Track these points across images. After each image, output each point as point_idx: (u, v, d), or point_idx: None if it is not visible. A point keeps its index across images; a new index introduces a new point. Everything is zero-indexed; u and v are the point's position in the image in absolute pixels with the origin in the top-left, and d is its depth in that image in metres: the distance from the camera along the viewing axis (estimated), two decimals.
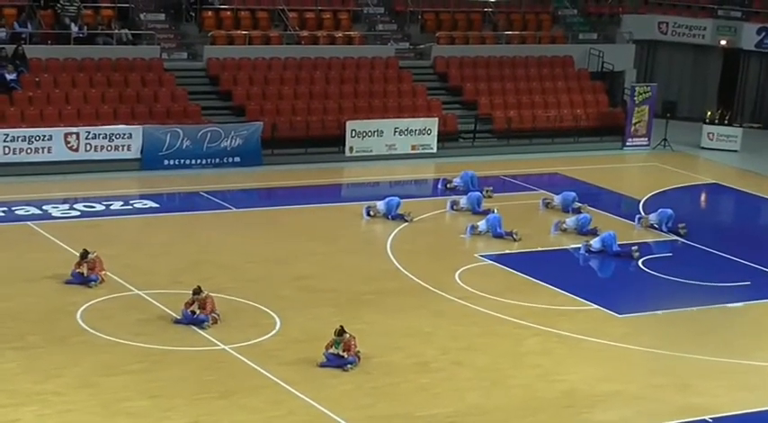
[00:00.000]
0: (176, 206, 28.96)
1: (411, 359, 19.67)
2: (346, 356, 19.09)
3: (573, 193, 29.66)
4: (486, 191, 29.93)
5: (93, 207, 27.67)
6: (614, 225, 28.01)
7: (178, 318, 20.51)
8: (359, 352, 19.19)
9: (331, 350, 19.19)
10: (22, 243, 24.45)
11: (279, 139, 32.92)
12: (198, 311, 20.50)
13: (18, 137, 29.92)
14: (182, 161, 31.53)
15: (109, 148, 30.81)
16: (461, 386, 18.78)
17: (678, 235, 28.00)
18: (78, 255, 22.42)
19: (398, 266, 24.55)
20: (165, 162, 31.35)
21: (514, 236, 26.74)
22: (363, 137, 33.74)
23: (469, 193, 29.22)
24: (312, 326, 20.62)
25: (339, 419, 17.30)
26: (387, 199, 28.03)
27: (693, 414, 18.22)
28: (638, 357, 20.59)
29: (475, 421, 17.57)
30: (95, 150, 30.68)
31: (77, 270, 22.15)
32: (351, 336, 19.20)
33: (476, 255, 25.71)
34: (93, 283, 21.90)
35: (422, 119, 34.73)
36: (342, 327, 19.27)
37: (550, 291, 23.55)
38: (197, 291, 20.65)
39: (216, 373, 18.59)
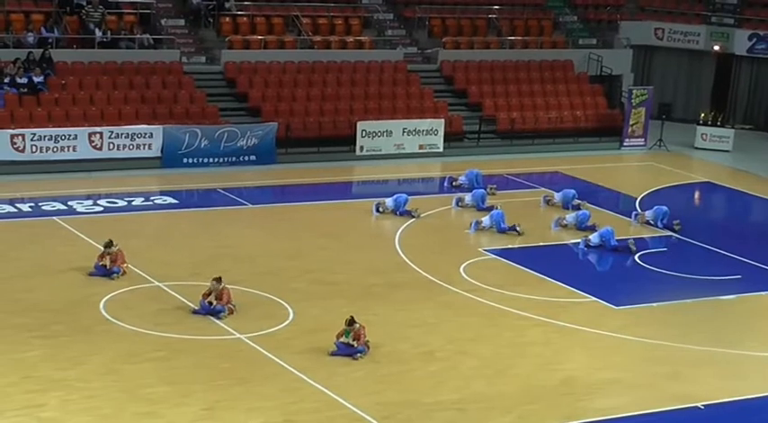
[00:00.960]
0: (195, 202, 29.14)
1: (418, 348, 19.94)
2: (356, 345, 19.28)
3: (573, 191, 29.89)
4: (491, 188, 30.22)
5: (116, 203, 27.85)
6: (612, 221, 28.14)
7: (196, 308, 20.77)
8: (368, 341, 19.45)
9: (342, 339, 19.35)
10: (48, 237, 24.79)
11: (292, 138, 33.28)
12: (215, 302, 20.67)
13: (45, 136, 30.20)
14: (200, 159, 31.86)
15: (131, 146, 31.14)
16: (466, 374, 19.03)
17: (673, 231, 28.19)
18: (103, 245, 22.53)
19: (406, 260, 24.84)
20: (185, 160, 31.65)
21: (518, 229, 27.04)
22: (373, 137, 34.14)
23: (474, 191, 29.48)
24: (324, 317, 20.88)
25: (349, 406, 17.48)
26: (395, 195, 28.30)
27: (686, 401, 18.48)
28: (634, 347, 20.86)
29: (478, 408, 17.78)
30: (118, 149, 31.00)
31: (100, 263, 22.32)
32: (360, 326, 19.46)
33: (480, 249, 25.95)
34: (115, 275, 22.20)
35: (429, 120, 35.08)
36: (352, 317, 19.52)
37: (551, 284, 23.84)
38: (217, 280, 20.82)
39: (232, 361, 18.87)
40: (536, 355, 20.17)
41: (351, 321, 19.54)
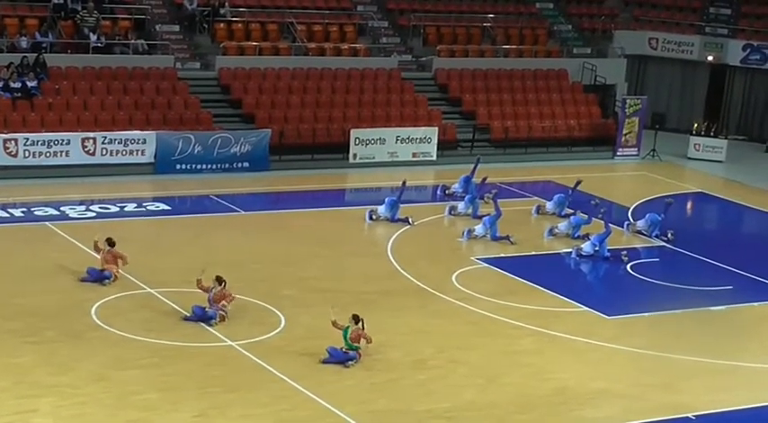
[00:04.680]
0: (187, 209, 29.10)
1: (410, 357, 19.94)
2: (356, 345, 19.30)
3: (563, 195, 30.00)
4: (487, 196, 30.00)
5: (108, 209, 27.80)
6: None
7: (187, 315, 20.76)
8: (359, 348, 19.46)
9: (339, 339, 19.28)
10: (40, 242, 24.78)
11: (286, 145, 33.28)
12: (215, 293, 20.59)
13: (38, 141, 30.14)
14: (193, 166, 31.83)
15: (124, 152, 31.12)
16: (457, 383, 19.03)
17: (665, 241, 28.30)
18: (105, 241, 22.40)
19: (398, 268, 24.85)
20: (178, 166, 31.62)
21: (511, 239, 27.14)
22: (366, 144, 34.16)
23: (467, 199, 29.47)
24: (315, 324, 20.74)
25: (341, 414, 17.48)
26: (387, 199, 28.43)
27: (677, 412, 18.49)
28: (626, 357, 20.92)
29: (470, 416, 17.80)
30: (111, 155, 30.98)
31: (98, 255, 22.32)
32: (361, 328, 19.51)
33: (472, 258, 25.96)
34: (106, 280, 22.18)
35: (422, 128, 35.12)
36: (357, 317, 19.54)
37: (543, 293, 23.85)
38: (220, 281, 20.75)
39: (223, 368, 18.86)
40: (528, 365, 20.18)
41: (356, 318, 19.54)
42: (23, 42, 32.90)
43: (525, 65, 39.49)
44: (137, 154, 31.38)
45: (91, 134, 30.96)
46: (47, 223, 26.22)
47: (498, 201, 28.62)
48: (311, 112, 34.65)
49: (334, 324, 19.68)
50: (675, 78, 43.86)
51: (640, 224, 28.96)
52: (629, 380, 19.84)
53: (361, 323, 19.68)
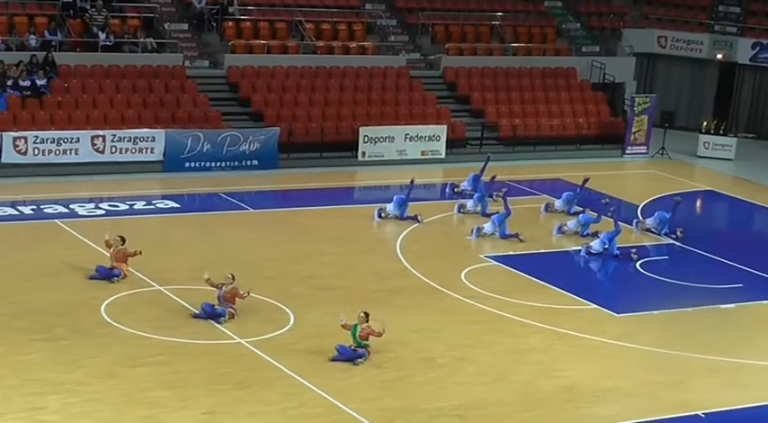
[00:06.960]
0: (196, 206, 29.12)
1: (418, 354, 19.96)
2: (360, 341, 19.29)
3: (572, 193, 30.00)
4: (496, 195, 29.96)
5: (118, 206, 27.89)
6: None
7: (197, 312, 20.78)
8: (368, 346, 19.46)
9: (348, 335, 19.33)
10: (50, 240, 24.80)
11: (295, 143, 33.33)
12: (226, 291, 20.69)
13: (47, 139, 30.21)
14: (202, 164, 31.84)
15: (133, 150, 31.19)
16: (466, 381, 19.06)
17: (674, 239, 28.30)
18: (117, 238, 22.58)
19: (407, 266, 24.87)
20: (187, 164, 31.66)
21: (520, 237, 27.20)
22: (375, 142, 34.22)
23: (476, 197, 29.49)
24: (324, 322, 20.83)
25: (349, 411, 17.52)
26: (395, 197, 28.46)
27: (687, 410, 18.49)
28: (635, 355, 20.88)
29: (479, 414, 17.83)
30: (120, 152, 31.04)
31: (109, 253, 22.42)
32: (369, 326, 19.50)
33: (481, 256, 26.00)
34: (115, 278, 22.21)
35: (431, 126, 35.16)
36: (367, 314, 19.57)
37: (552, 291, 23.87)
38: (230, 278, 20.79)
39: (232, 365, 18.89)
40: (536, 362, 20.20)
41: (366, 317, 19.52)
42: (32, 41, 32.94)
43: (534, 63, 39.46)
44: (146, 152, 31.41)
45: (100, 132, 30.99)
46: (56, 221, 26.23)
47: (507, 199, 28.64)
48: (320, 111, 34.67)
49: (344, 327, 19.70)
50: (684, 76, 43.85)
51: (649, 222, 28.95)
52: (638, 378, 19.84)
53: (367, 318, 19.66)
